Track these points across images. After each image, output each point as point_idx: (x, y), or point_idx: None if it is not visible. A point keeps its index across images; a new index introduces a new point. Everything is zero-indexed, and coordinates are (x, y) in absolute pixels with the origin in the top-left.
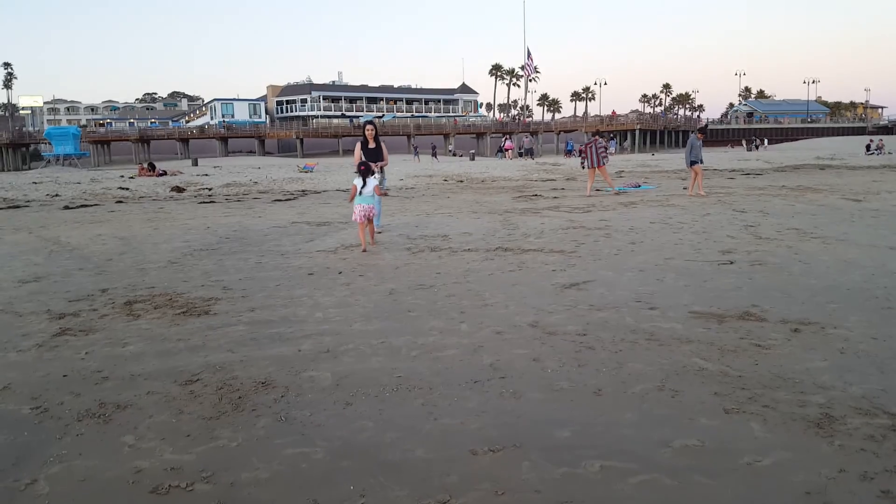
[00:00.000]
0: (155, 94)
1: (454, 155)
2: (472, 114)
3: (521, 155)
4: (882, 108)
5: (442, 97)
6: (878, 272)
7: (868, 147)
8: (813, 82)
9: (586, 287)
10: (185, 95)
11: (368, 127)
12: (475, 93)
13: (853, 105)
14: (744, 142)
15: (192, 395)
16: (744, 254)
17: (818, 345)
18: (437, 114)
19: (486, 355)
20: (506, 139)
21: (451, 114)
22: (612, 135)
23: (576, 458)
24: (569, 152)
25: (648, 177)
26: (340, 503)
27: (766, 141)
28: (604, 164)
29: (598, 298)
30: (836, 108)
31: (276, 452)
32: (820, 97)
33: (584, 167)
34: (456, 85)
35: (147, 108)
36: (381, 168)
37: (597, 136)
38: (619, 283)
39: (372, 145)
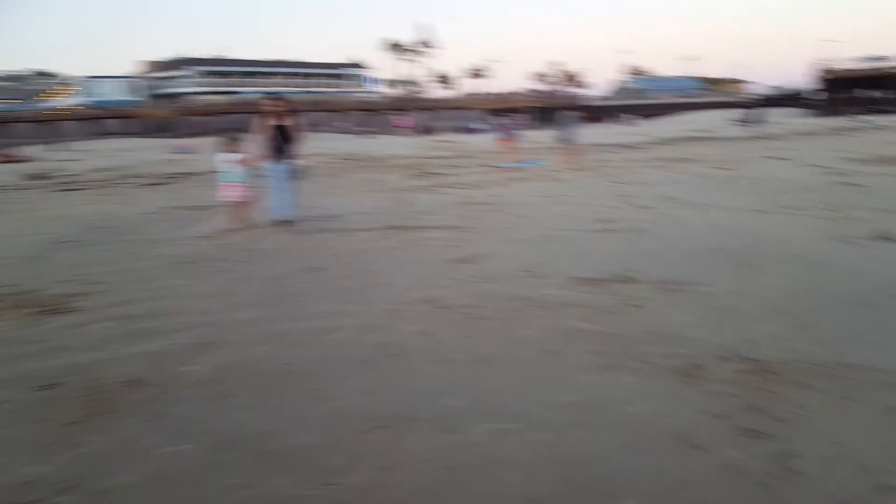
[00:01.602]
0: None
1: (351, 134)
2: (366, 89)
3: (428, 132)
4: (750, 83)
5: (335, 71)
6: (742, 233)
7: (736, 120)
8: (694, 60)
9: (477, 261)
10: (45, 73)
11: (266, 101)
12: (369, 68)
13: (733, 81)
14: (609, 118)
15: (53, 401)
16: (622, 222)
17: (685, 302)
18: (332, 89)
19: (377, 334)
20: (400, 116)
21: (346, 89)
22: (517, 113)
23: (465, 423)
24: (467, 130)
25: (537, 152)
26: (220, 498)
27: (631, 117)
28: (515, 139)
29: (489, 271)
30: (715, 84)
31: (146, 453)
32: (704, 75)
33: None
34: (349, 60)
35: None
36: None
37: (512, 115)
38: (508, 255)
39: (275, 122)
